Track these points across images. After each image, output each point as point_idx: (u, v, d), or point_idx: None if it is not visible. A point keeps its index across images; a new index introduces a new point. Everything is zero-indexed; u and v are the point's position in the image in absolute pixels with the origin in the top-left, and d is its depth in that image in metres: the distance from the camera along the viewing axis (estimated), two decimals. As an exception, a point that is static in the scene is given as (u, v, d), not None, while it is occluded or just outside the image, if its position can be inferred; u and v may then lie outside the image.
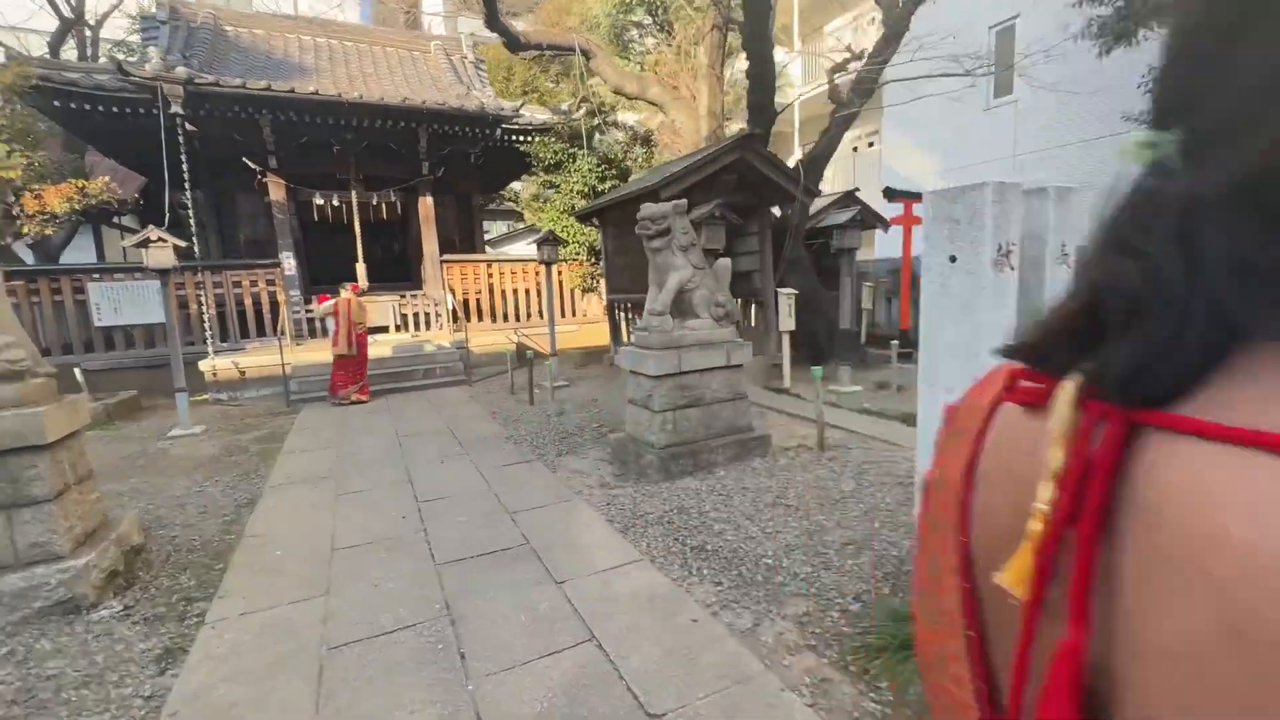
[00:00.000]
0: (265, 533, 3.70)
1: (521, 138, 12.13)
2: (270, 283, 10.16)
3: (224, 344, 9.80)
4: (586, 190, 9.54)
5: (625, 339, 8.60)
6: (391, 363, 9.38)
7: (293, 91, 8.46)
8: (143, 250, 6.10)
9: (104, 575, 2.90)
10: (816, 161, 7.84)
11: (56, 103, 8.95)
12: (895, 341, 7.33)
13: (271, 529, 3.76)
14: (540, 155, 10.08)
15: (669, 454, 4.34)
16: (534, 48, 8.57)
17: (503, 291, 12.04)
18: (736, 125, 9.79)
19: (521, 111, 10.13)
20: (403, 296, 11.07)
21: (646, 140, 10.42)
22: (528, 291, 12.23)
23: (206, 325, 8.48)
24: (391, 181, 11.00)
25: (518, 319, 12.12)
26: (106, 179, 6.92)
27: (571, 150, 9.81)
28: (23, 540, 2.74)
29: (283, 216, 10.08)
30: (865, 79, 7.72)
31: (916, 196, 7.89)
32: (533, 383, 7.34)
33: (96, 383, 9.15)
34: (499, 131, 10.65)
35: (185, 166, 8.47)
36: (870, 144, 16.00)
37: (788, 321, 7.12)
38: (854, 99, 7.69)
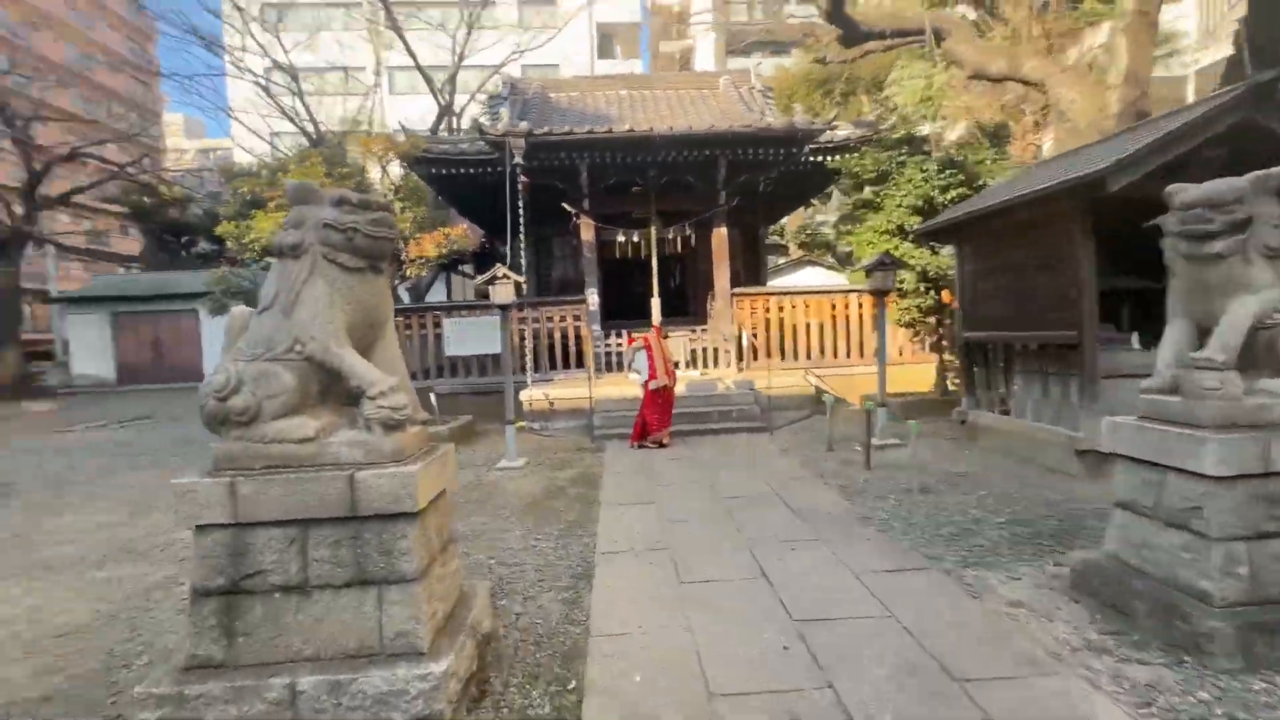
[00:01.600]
0: (615, 637, 2.90)
1: (828, 156, 10.94)
2: (576, 318, 10.62)
3: (536, 374, 10.50)
4: (920, 205, 7.78)
5: (988, 389, 6.52)
6: (687, 402, 8.81)
7: (609, 132, 8.65)
8: (490, 287, 6.40)
9: (460, 685, 2.30)
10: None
11: (432, 170, 10.79)
12: None
13: (621, 630, 2.95)
14: (856, 170, 8.66)
15: (1249, 625, 2.40)
16: (875, 37, 7.32)
17: (794, 327, 10.81)
18: (1158, 95, 7.00)
19: (834, 124, 8.91)
20: (693, 332, 10.63)
21: (996, 136, 8.21)
22: (822, 327, 10.78)
23: (528, 356, 9.02)
24: (687, 215, 10.76)
25: (808, 357, 10.74)
26: (464, 228, 7.69)
27: (900, 158, 8.17)
28: (389, 626, 2.27)
29: (590, 255, 10.51)
30: None
31: None
32: (870, 443, 5.81)
33: (442, 406, 10.53)
34: (804, 152, 9.59)
35: (522, 216, 9.26)
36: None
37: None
38: None
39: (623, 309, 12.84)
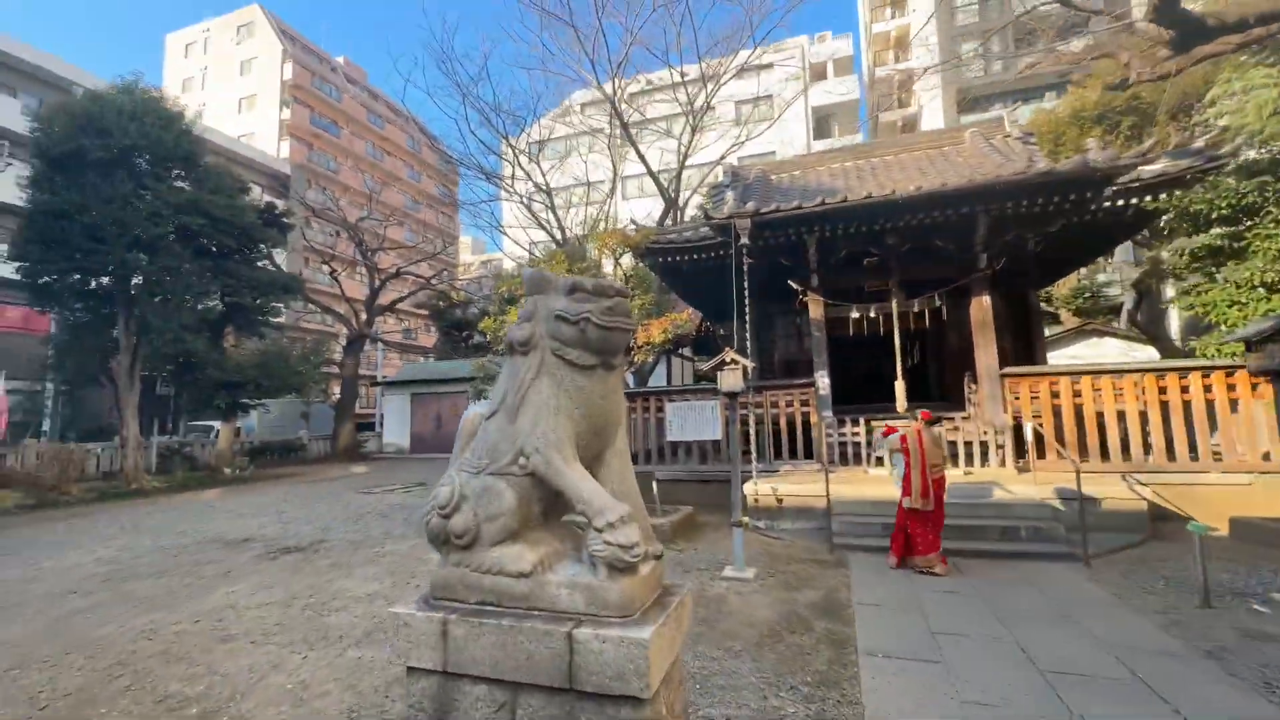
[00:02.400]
0: None
1: (1129, 200, 8.65)
2: (804, 403, 9.65)
3: (760, 464, 9.66)
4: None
5: None
6: (952, 511, 7.09)
7: (845, 200, 7.92)
8: (718, 373, 5.94)
9: None
10: None
11: (660, 259, 11.17)
12: None
13: None
14: (1196, 208, 6.47)
15: None
16: (1231, 30, 5.50)
17: (1097, 415, 8.29)
18: None
19: (1148, 155, 6.88)
20: (951, 422, 8.82)
21: None
22: (1144, 416, 8.06)
23: (754, 446, 8.29)
24: (935, 284, 9.28)
25: (1124, 457, 8.04)
26: (688, 312, 7.53)
27: (1276, 187, 5.85)
28: None
29: (819, 334, 9.60)
30: None
31: None
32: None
33: (663, 493, 10.25)
34: (1105, 195, 7.61)
35: (746, 298, 8.89)
36: None
37: None
38: None
39: (856, 393, 11.47)
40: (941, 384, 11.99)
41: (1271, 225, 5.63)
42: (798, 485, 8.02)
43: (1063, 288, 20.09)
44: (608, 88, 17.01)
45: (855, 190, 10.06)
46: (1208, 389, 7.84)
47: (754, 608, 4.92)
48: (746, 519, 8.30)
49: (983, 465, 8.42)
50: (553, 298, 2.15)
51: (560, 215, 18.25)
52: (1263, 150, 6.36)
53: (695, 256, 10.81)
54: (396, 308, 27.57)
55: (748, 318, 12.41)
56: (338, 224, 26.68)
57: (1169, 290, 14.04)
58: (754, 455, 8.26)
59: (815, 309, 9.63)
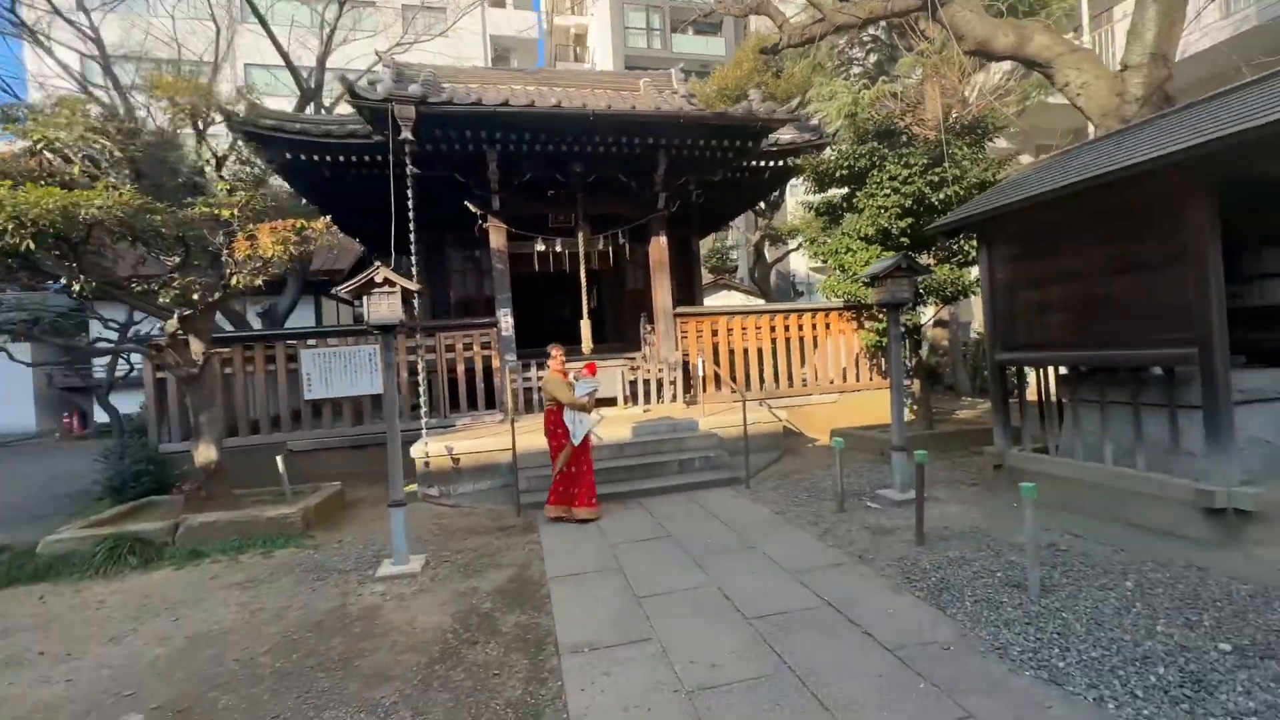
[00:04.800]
0: None
1: (771, 162, 9.77)
2: (486, 346, 8.44)
3: (432, 420, 8.13)
4: (910, 205, 6.59)
5: (1037, 422, 5.25)
6: (633, 450, 6.93)
7: (532, 105, 6.75)
8: (365, 299, 4.19)
9: None
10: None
11: (288, 155, 8.23)
12: None
13: None
14: (824, 170, 7.41)
15: None
16: (848, 27, 6.09)
17: (744, 352, 9.36)
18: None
19: (800, 113, 7.64)
20: (629, 361, 8.81)
21: (973, 132, 7.27)
22: (760, 352, 9.41)
23: (423, 399, 6.70)
24: (619, 221, 9.04)
25: (761, 386, 9.31)
26: (328, 219, 5.38)
27: (881, 151, 6.99)
28: None
29: (501, 267, 8.42)
30: None
31: None
32: (921, 509, 4.22)
33: (302, 467, 7.82)
34: (760, 148, 8.26)
35: (412, 220, 7.03)
36: None
37: None
38: None
39: (542, 336, 10.77)
40: (619, 326, 12.29)
41: (874, 186, 6.72)
42: (478, 440, 6.85)
43: (702, 248, 23.53)
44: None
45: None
46: (816, 327, 9.61)
47: (421, 616, 3.58)
48: (415, 486, 6.79)
49: (658, 402, 8.67)
50: None
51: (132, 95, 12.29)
52: (838, 139, 7.62)
53: (343, 161, 8.29)
54: None
55: (414, 249, 10.44)
56: None
57: (790, 244, 17.25)
58: (425, 410, 6.69)
59: (497, 238, 8.38)
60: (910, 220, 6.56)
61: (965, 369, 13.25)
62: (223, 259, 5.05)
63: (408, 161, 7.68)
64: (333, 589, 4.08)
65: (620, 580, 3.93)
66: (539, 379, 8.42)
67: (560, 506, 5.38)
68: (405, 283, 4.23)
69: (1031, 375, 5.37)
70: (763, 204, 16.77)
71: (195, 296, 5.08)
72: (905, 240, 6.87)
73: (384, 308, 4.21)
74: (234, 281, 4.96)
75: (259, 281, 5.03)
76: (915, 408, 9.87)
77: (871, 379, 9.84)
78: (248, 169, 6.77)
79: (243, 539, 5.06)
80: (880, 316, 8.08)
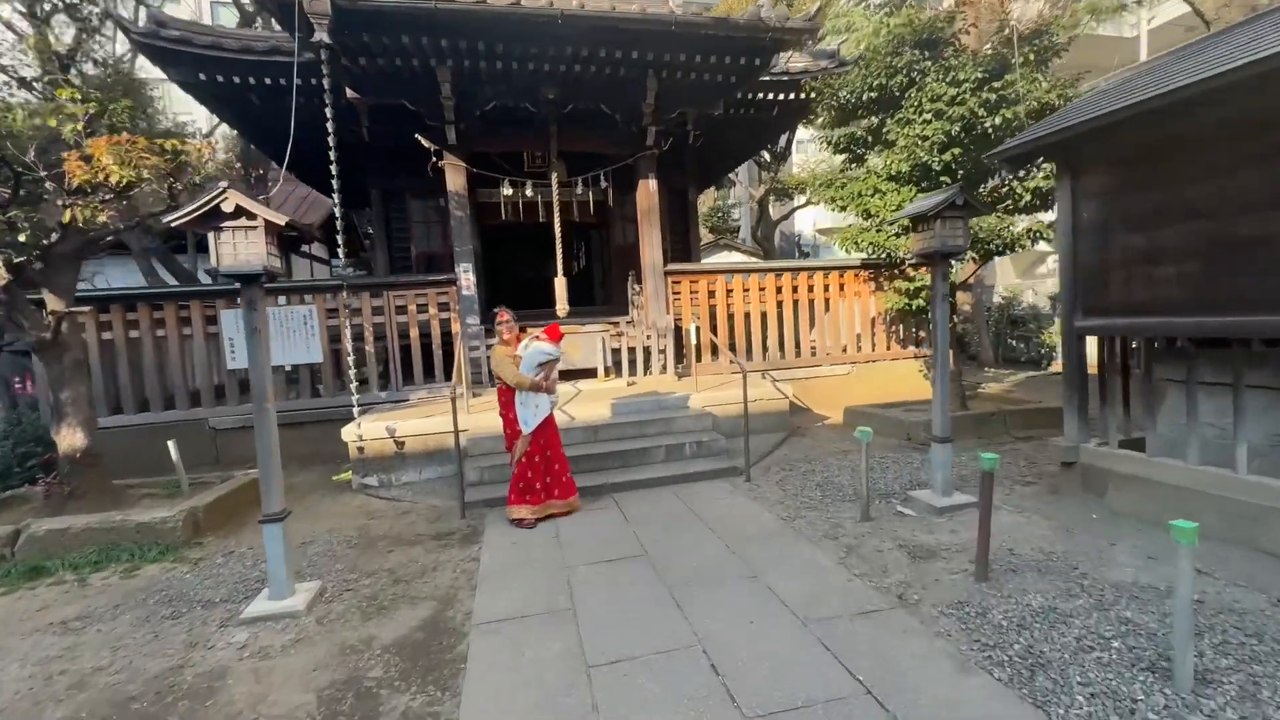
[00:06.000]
0: None
1: (780, 94, 8.37)
2: (444, 307, 7.23)
3: (381, 394, 6.99)
4: (957, 133, 5.25)
5: (1119, 411, 4.06)
6: (610, 433, 5.79)
7: (484, 2, 5.35)
8: (214, 236, 2.96)
9: None
10: None
11: (200, 74, 6.85)
12: None
13: None
14: (845, 95, 6.04)
15: None
16: None
17: (745, 316, 8.16)
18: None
19: (814, 20, 6.20)
20: (613, 326, 7.60)
21: (1035, 40, 5.84)
22: (765, 317, 8.21)
23: (352, 372, 5.51)
24: (602, 161, 7.71)
25: (748, 356, 8.11)
26: (211, 141, 4.12)
27: (921, 63, 5.60)
28: None
29: (461, 214, 7.12)
30: None
31: None
32: (987, 536, 3.08)
33: (230, 448, 6.72)
34: (770, 64, 6.85)
35: (333, 143, 5.71)
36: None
37: None
38: None
39: (513, 298, 9.55)
40: (606, 287, 11.02)
41: (911, 111, 5.38)
42: (426, 420, 5.70)
43: (701, 207, 22.00)
44: None
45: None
46: (829, 288, 8.36)
47: (277, 691, 2.49)
48: (350, 475, 5.69)
49: (645, 373, 7.50)
50: None
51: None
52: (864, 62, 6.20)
53: (270, 85, 6.93)
54: None
55: (372, 197, 9.12)
56: None
57: (798, 199, 15.85)
58: (354, 384, 5.51)
59: (455, 178, 7.06)
60: (956, 152, 5.24)
61: (989, 336, 12.06)
62: (54, 188, 3.78)
63: (338, 61, 6.33)
64: (181, 636, 2.99)
65: (569, 632, 2.83)
66: (506, 346, 7.25)
67: (523, 505, 4.27)
68: (271, 214, 2.99)
69: (1091, 344, 4.16)
70: (767, 154, 15.29)
71: (23, 239, 3.84)
72: (946, 180, 5.58)
73: (242, 250, 2.99)
74: (68, 217, 3.71)
75: (103, 218, 3.77)
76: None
77: (890, 347, 8.66)
78: (110, 71, 5.37)
79: (103, 551, 3.97)
80: (911, 274, 6.84)
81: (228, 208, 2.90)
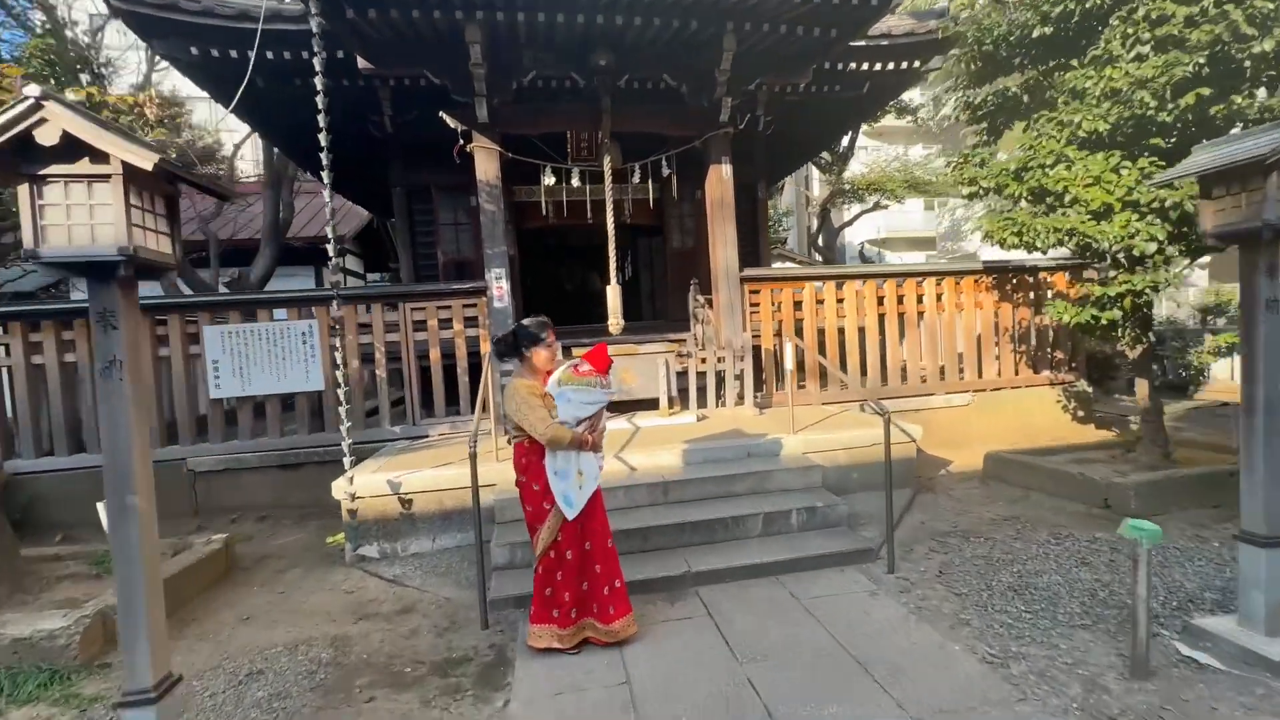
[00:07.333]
0: None
1: (894, 61, 6.89)
2: (471, 322, 5.91)
3: (395, 429, 5.69)
4: (1202, 65, 3.55)
5: None
6: (688, 491, 4.27)
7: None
8: (25, 202, 1.62)
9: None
10: None
11: (192, 49, 5.80)
12: None
13: None
14: (1000, 35, 4.47)
15: None
16: None
17: (839, 333, 6.59)
18: None
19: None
20: (675, 345, 6.12)
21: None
22: (862, 333, 6.62)
23: (344, 404, 4.16)
24: (664, 144, 6.32)
25: (862, 380, 6.52)
26: (151, 93, 2.97)
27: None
28: None
29: (493, 208, 5.81)
30: None
31: None
32: None
33: (212, 494, 5.51)
34: (851, 52, 5.36)
35: (323, 115, 4.46)
36: None
37: None
38: None
39: (557, 311, 8.21)
40: (660, 300, 9.57)
41: (1120, 42, 3.77)
42: (440, 471, 4.33)
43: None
44: None
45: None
46: (942, 297, 6.70)
47: None
48: (342, 538, 4.35)
49: (718, 404, 5.99)
50: None
51: None
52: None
53: (272, 60, 5.82)
54: None
55: (395, 194, 7.92)
56: None
57: (865, 203, 14.35)
58: (345, 422, 4.17)
59: (487, 165, 5.76)
60: (1203, 92, 3.56)
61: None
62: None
63: (358, 54, 5.22)
64: None
65: None
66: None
67: (548, 627, 2.81)
68: (135, 150, 1.65)
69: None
70: (827, 155, 13.73)
71: None
72: (1159, 142, 3.92)
73: (80, 218, 1.65)
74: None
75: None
76: (1078, 411, 6.96)
77: (1019, 371, 6.96)
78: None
79: (-39, 680, 2.69)
80: (1094, 278, 5.15)
81: (47, 138, 1.56)
